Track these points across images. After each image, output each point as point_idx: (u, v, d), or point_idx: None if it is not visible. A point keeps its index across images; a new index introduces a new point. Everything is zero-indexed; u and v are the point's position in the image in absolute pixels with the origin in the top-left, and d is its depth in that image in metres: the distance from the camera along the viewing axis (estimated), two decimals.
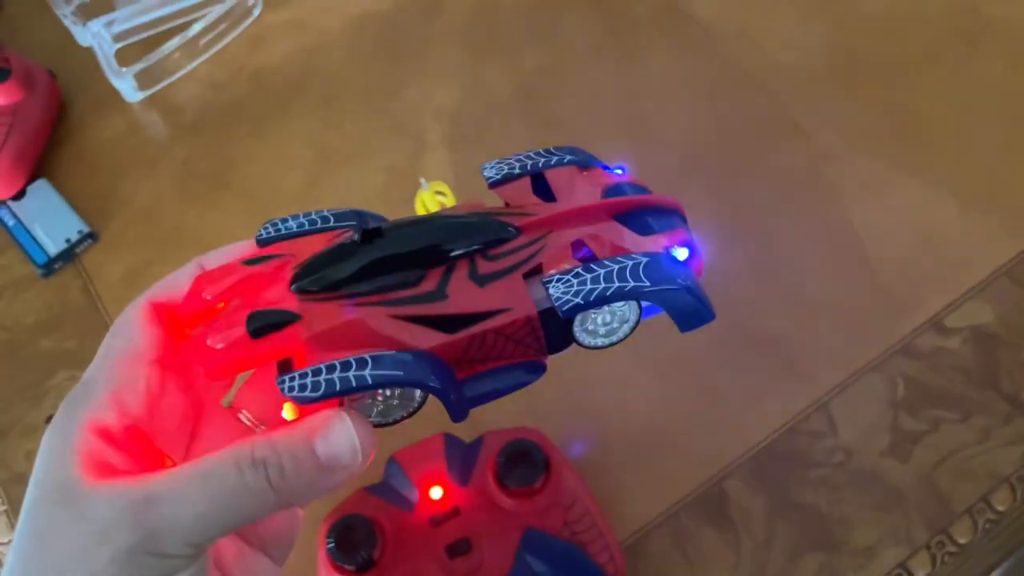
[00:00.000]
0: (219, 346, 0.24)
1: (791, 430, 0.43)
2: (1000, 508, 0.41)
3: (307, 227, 0.28)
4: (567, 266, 0.24)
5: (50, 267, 0.50)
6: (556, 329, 0.25)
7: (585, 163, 0.29)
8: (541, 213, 0.26)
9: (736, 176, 0.51)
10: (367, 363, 0.23)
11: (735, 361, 0.45)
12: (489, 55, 0.56)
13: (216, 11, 0.56)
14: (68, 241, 0.50)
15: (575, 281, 0.24)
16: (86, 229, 0.51)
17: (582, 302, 0.23)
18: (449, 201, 0.50)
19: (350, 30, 0.58)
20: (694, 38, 0.56)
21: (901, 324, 0.45)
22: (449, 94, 0.55)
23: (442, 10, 0.58)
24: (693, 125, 0.53)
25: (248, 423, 0.29)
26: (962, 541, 0.41)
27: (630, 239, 0.26)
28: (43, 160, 0.53)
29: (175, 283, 0.28)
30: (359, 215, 0.28)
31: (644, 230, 0.26)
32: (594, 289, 0.24)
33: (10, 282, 0.50)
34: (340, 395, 0.23)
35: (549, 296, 0.24)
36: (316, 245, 0.26)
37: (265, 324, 0.24)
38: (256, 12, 0.58)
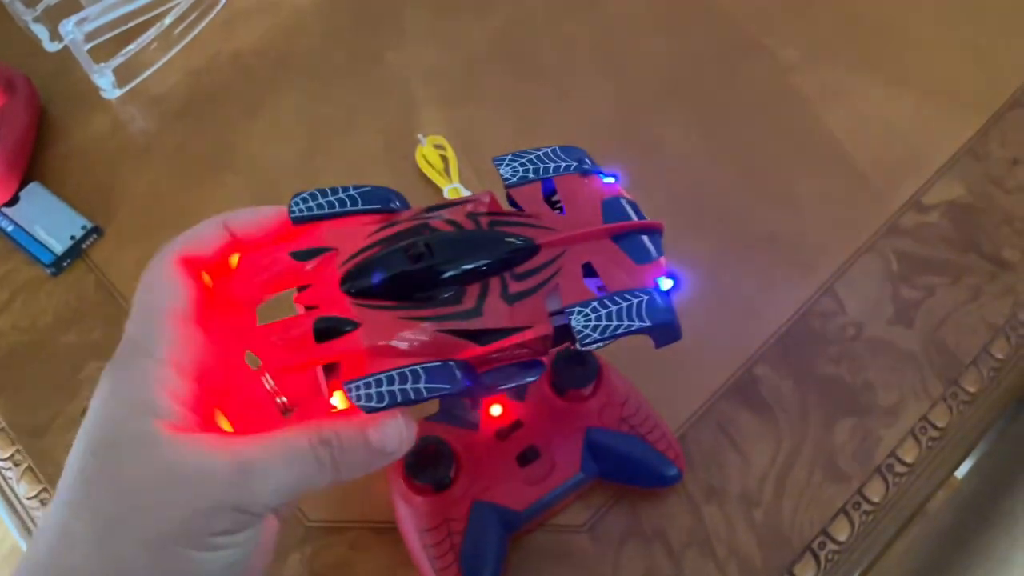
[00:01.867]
0: (284, 346, 0.27)
1: (804, 314, 0.47)
2: (999, 356, 0.45)
3: (337, 208, 0.30)
4: (583, 296, 0.28)
5: (59, 265, 0.50)
6: (560, 338, 0.29)
7: (587, 171, 0.32)
8: (555, 229, 0.30)
9: (710, 98, 0.54)
10: (420, 376, 0.27)
11: (742, 260, 0.48)
12: (462, 13, 0.58)
13: (185, 0, 0.56)
14: (73, 238, 0.50)
15: (593, 316, 0.28)
16: (89, 224, 0.51)
17: (599, 337, 0.28)
18: (449, 154, 0.52)
19: (322, 4, 0.59)
20: None
21: (884, 207, 0.49)
22: (430, 54, 0.57)
23: None
24: (661, 57, 0.56)
25: (269, 388, 0.31)
26: (972, 389, 0.45)
27: (627, 267, 0.30)
28: (31, 165, 0.53)
29: (200, 238, 0.29)
30: (382, 195, 0.30)
31: (638, 256, 0.30)
32: (608, 326, 0.28)
33: (20, 286, 0.49)
34: (399, 406, 0.26)
35: (572, 328, 0.28)
36: (354, 237, 0.29)
37: (330, 329, 0.27)
38: None
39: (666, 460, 0.40)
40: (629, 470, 0.41)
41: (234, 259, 0.30)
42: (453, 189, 0.50)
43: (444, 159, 0.52)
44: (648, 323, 0.28)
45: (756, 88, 0.54)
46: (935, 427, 0.44)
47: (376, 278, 0.28)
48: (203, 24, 0.58)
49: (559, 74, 0.56)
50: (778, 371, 0.45)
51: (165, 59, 0.57)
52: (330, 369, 0.28)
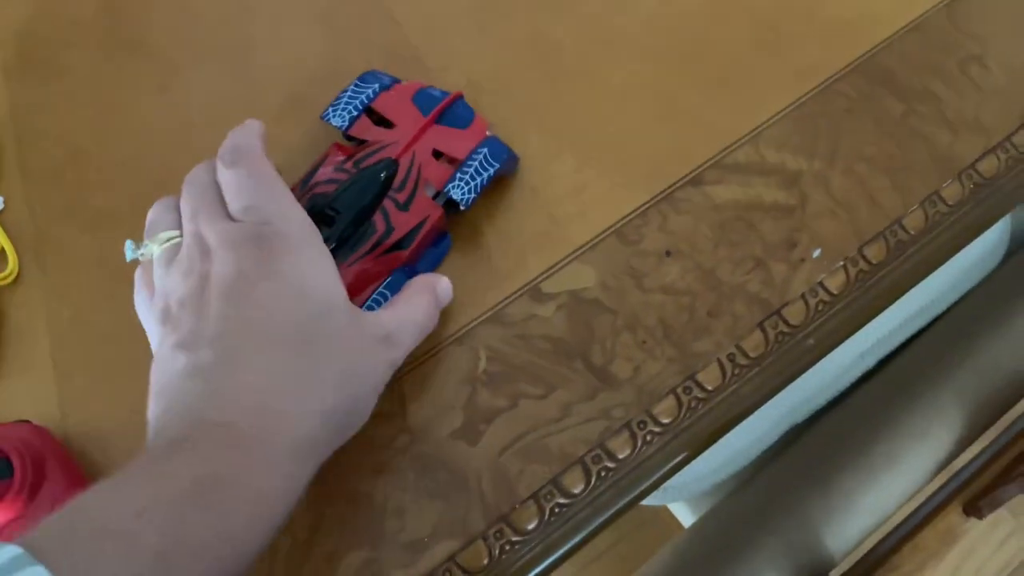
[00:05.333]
0: None
1: None
2: (574, 491, 0.38)
3: None
4: (445, 175, 0.39)
5: None
6: (449, 208, 0.40)
7: (388, 85, 0.42)
8: (396, 141, 0.40)
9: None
10: (387, 295, 0.38)
11: None
12: None
13: None
14: None
15: (461, 182, 0.39)
16: None
17: (475, 195, 0.39)
18: None
19: None
20: None
21: (494, 291, 0.41)
22: (19, 10, 0.46)
23: None
24: (303, 55, 0.46)
25: None
26: (527, 527, 0.37)
27: (459, 135, 0.40)
28: None
29: (258, 140, 0.36)
30: None
31: (461, 123, 0.41)
32: (475, 183, 0.39)
33: None
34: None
35: (454, 199, 0.39)
36: None
37: None
38: None
39: None
40: None
41: None
42: None
43: None
44: (497, 164, 0.40)
45: None
46: (464, 571, 0.37)
47: None
48: None
49: (164, 51, 0.45)
50: None
51: None
52: None
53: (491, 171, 0.39)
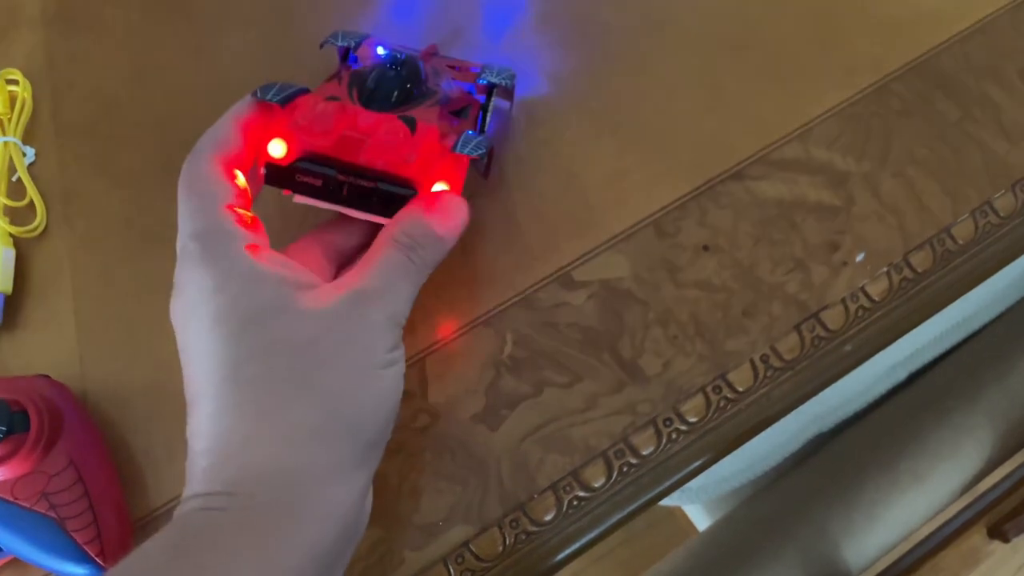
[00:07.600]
0: (390, 151, 0.32)
1: None
2: (595, 484, 0.37)
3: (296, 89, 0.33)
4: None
5: None
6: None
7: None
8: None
9: None
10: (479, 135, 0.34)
11: None
12: None
13: None
14: None
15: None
16: None
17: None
18: (24, 89, 0.41)
19: None
20: None
21: (524, 275, 0.40)
22: None
23: None
24: (342, 28, 0.45)
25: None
26: (547, 518, 0.37)
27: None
28: None
29: (227, 139, 0.31)
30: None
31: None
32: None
33: None
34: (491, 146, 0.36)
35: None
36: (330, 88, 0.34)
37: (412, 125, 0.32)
38: None
39: (82, 554, 0.32)
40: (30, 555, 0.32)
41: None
42: (3, 144, 0.40)
43: (13, 96, 0.41)
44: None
45: None
46: (477, 558, 0.36)
47: (378, 89, 0.34)
48: None
49: (206, 18, 0.45)
50: None
51: None
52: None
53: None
